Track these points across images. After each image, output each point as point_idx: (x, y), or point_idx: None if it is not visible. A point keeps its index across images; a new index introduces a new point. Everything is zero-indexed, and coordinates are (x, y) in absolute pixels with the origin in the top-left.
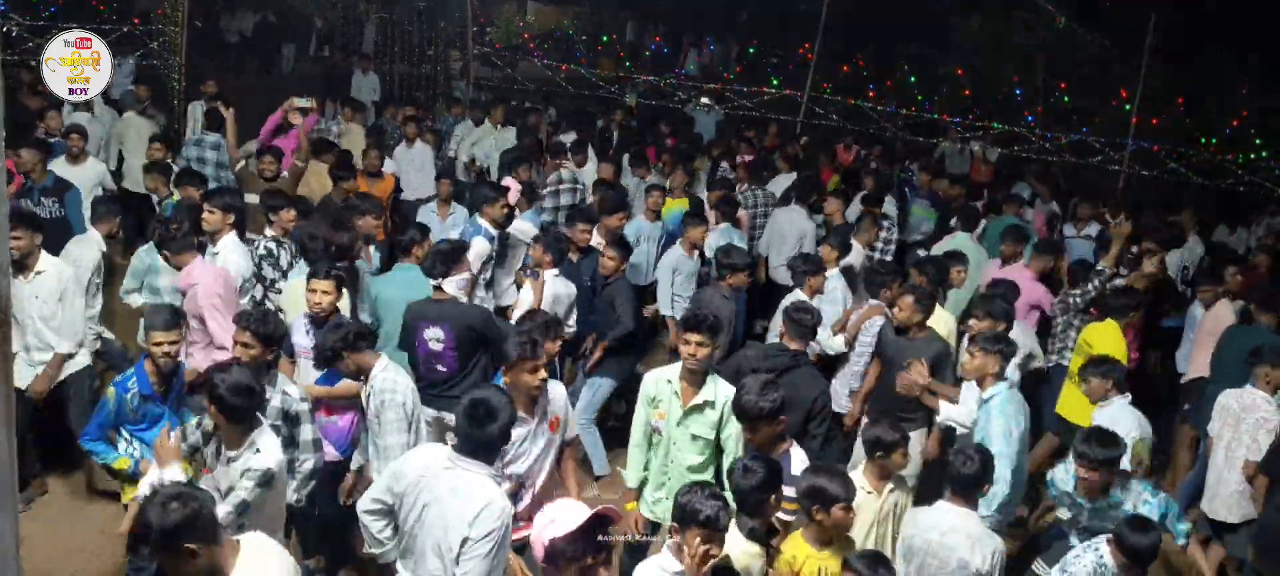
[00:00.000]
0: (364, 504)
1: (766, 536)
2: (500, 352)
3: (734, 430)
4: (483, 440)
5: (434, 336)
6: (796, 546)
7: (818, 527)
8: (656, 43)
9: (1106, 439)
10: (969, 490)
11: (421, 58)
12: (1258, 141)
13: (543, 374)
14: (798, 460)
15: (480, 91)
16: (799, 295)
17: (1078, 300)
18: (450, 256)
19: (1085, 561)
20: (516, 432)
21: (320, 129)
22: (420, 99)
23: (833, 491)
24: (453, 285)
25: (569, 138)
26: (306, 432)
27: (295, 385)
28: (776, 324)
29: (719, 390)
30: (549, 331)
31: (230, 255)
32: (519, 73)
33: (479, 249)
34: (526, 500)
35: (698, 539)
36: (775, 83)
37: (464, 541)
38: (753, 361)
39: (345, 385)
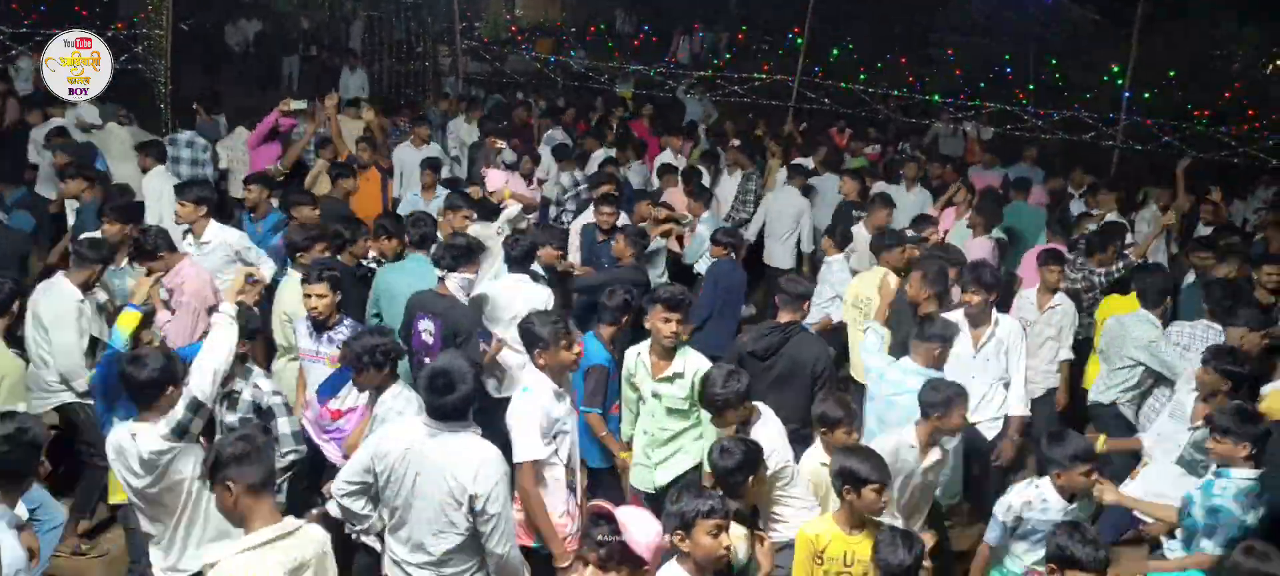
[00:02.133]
0: (340, 487)
1: (750, 518)
2: (526, 332)
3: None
4: (445, 409)
5: (427, 328)
6: (824, 526)
7: (848, 509)
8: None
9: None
10: None
11: (410, 54)
12: (1250, 113)
13: (579, 348)
14: (759, 432)
15: (470, 86)
16: None
17: (1103, 278)
18: (462, 254)
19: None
20: (562, 409)
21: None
22: (410, 95)
23: (863, 473)
24: (455, 282)
25: (555, 135)
26: (283, 426)
27: (268, 378)
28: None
29: (689, 361)
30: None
31: (224, 237)
32: (508, 66)
33: None
34: (579, 487)
35: (706, 533)
36: (767, 70)
37: (473, 498)
38: (748, 345)
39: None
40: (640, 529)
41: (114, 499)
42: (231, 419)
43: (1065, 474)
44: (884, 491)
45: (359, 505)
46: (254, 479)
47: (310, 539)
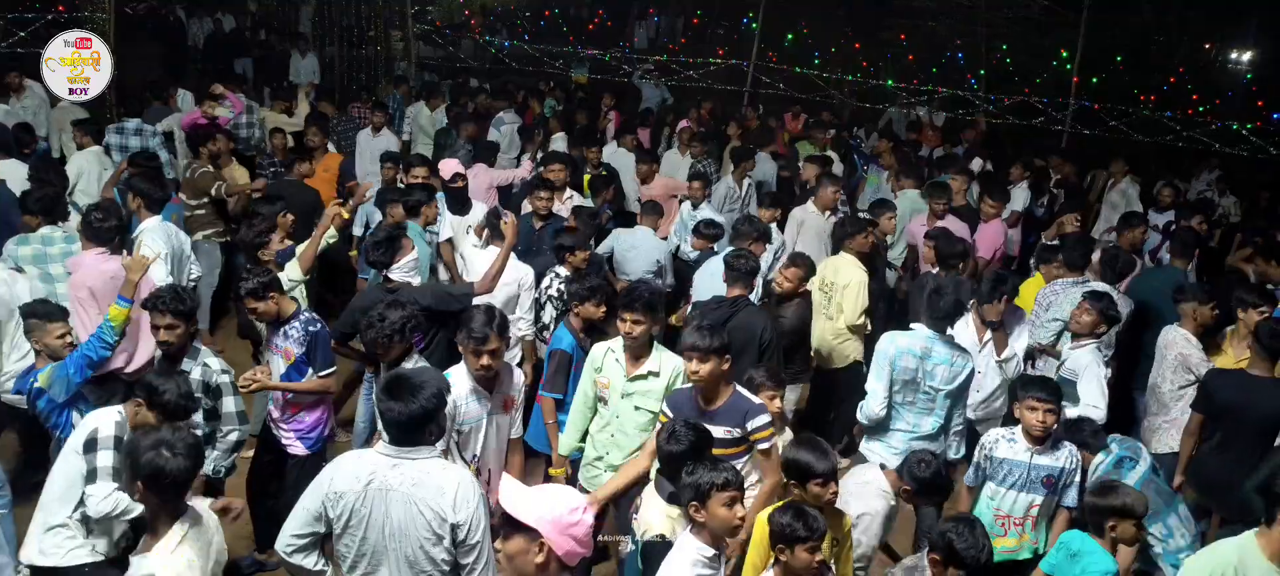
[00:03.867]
0: (287, 543)
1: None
2: (463, 323)
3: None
4: (406, 418)
5: None
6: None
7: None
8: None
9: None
10: None
11: (361, 39)
12: (1194, 98)
13: (487, 360)
14: (748, 391)
15: (423, 71)
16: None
17: None
18: (386, 246)
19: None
20: (471, 411)
21: (239, 122)
22: (363, 81)
23: (808, 463)
24: (398, 272)
25: (505, 117)
26: (229, 405)
27: (217, 357)
28: None
29: (665, 360)
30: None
31: (145, 237)
32: (462, 51)
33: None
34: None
35: (721, 504)
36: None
37: (454, 528)
38: (699, 320)
39: (313, 381)
40: (541, 501)
41: None
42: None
43: (1019, 406)
44: (830, 485)
45: (310, 561)
46: (168, 481)
47: (206, 518)
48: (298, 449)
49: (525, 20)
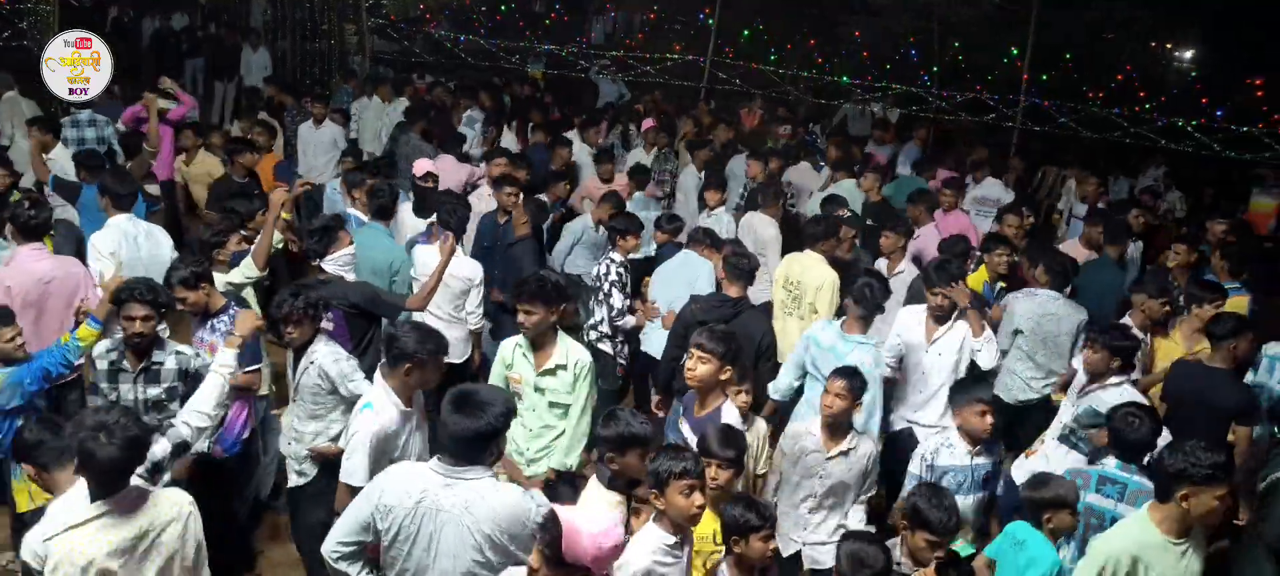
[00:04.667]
0: (333, 550)
1: (627, 487)
2: (389, 338)
3: (583, 393)
4: (472, 434)
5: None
6: (715, 527)
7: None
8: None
9: None
10: None
11: (314, 33)
12: (1141, 95)
13: (416, 380)
14: (730, 415)
15: (378, 66)
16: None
17: None
18: (324, 234)
19: None
20: (404, 431)
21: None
22: (316, 75)
23: (748, 521)
24: (333, 264)
25: (475, 115)
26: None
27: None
28: None
29: (571, 353)
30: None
31: (97, 238)
32: (417, 45)
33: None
34: None
35: (678, 492)
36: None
37: (505, 548)
38: (699, 314)
39: (244, 376)
40: (582, 534)
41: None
42: (154, 392)
43: (961, 413)
44: (770, 540)
45: (355, 570)
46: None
47: (155, 506)
48: (216, 451)
49: (481, 15)
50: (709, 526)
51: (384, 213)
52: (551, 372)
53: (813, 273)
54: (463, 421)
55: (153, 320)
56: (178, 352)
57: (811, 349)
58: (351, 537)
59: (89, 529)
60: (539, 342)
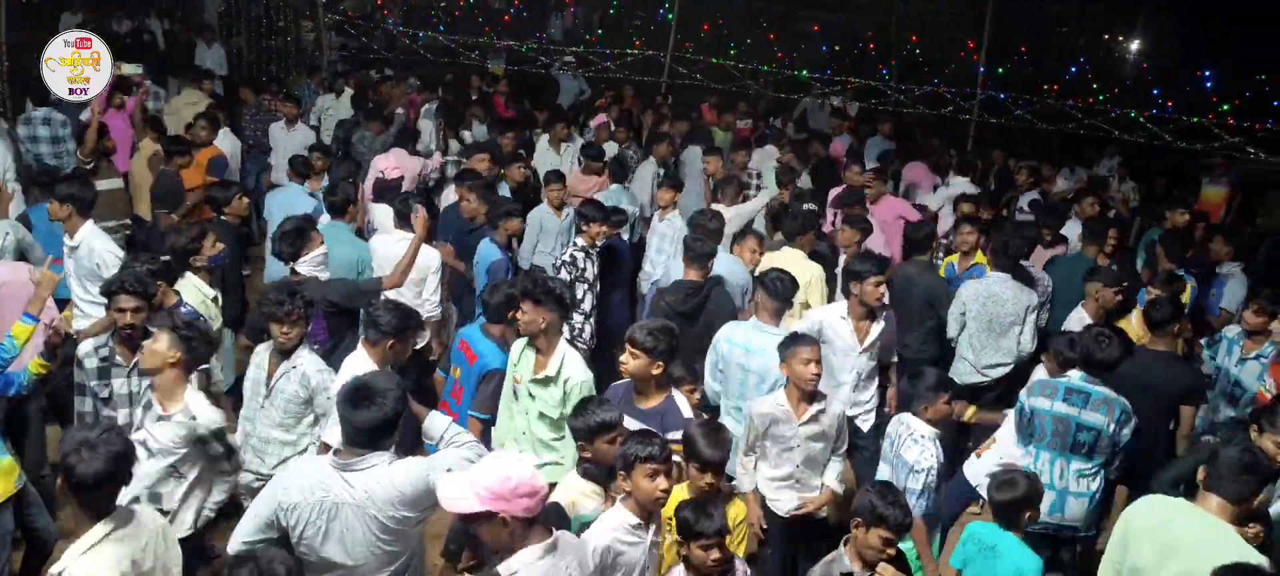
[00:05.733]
0: (238, 547)
1: (607, 476)
2: (369, 318)
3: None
4: (368, 425)
5: None
6: (674, 496)
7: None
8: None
9: None
10: None
11: (270, 29)
12: (1095, 86)
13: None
14: (684, 405)
15: (336, 62)
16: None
17: None
18: (296, 237)
19: None
20: None
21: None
22: (273, 72)
23: (698, 528)
24: (307, 265)
25: (432, 107)
26: None
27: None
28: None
29: (565, 368)
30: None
31: (94, 243)
32: (376, 41)
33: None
34: None
35: (643, 476)
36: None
37: (404, 519)
38: (672, 306)
39: None
40: (477, 484)
41: None
42: (148, 384)
43: (931, 405)
44: (707, 472)
45: None
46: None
47: (141, 523)
48: None
49: (439, 10)
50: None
51: (342, 209)
52: (543, 383)
53: (798, 270)
54: (364, 414)
55: (143, 311)
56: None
57: (723, 347)
58: (255, 536)
59: (103, 549)
60: (540, 347)
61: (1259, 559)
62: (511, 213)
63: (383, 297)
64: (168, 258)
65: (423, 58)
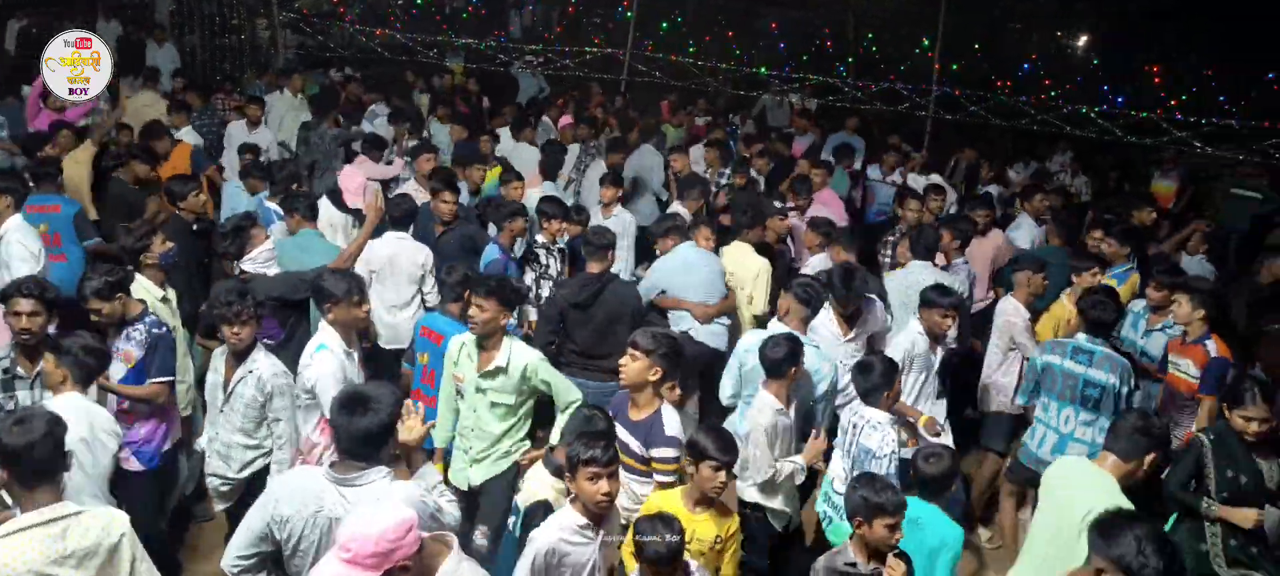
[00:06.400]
0: (231, 564)
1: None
2: (317, 289)
3: (550, 376)
4: (362, 433)
5: None
6: (666, 502)
7: (694, 486)
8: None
9: None
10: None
11: (224, 27)
12: (1046, 82)
13: (366, 308)
14: (670, 421)
15: (291, 61)
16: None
17: None
18: (236, 234)
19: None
20: (350, 368)
21: (101, 111)
22: (227, 71)
23: (704, 446)
24: (252, 263)
25: (378, 109)
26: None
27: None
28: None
29: (515, 355)
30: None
31: (12, 237)
32: (332, 40)
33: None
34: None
35: (584, 478)
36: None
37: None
38: (567, 298)
39: (146, 387)
40: (369, 547)
41: None
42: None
43: (887, 393)
44: (720, 471)
45: None
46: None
47: (86, 529)
48: (132, 464)
49: (396, 8)
50: (711, 530)
51: (311, 213)
52: (492, 375)
53: (746, 263)
54: (358, 421)
55: (40, 316)
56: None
57: (749, 359)
58: (250, 550)
59: (27, 537)
60: (485, 343)
61: (1122, 502)
62: (516, 213)
63: (325, 267)
64: (131, 266)
65: (380, 56)
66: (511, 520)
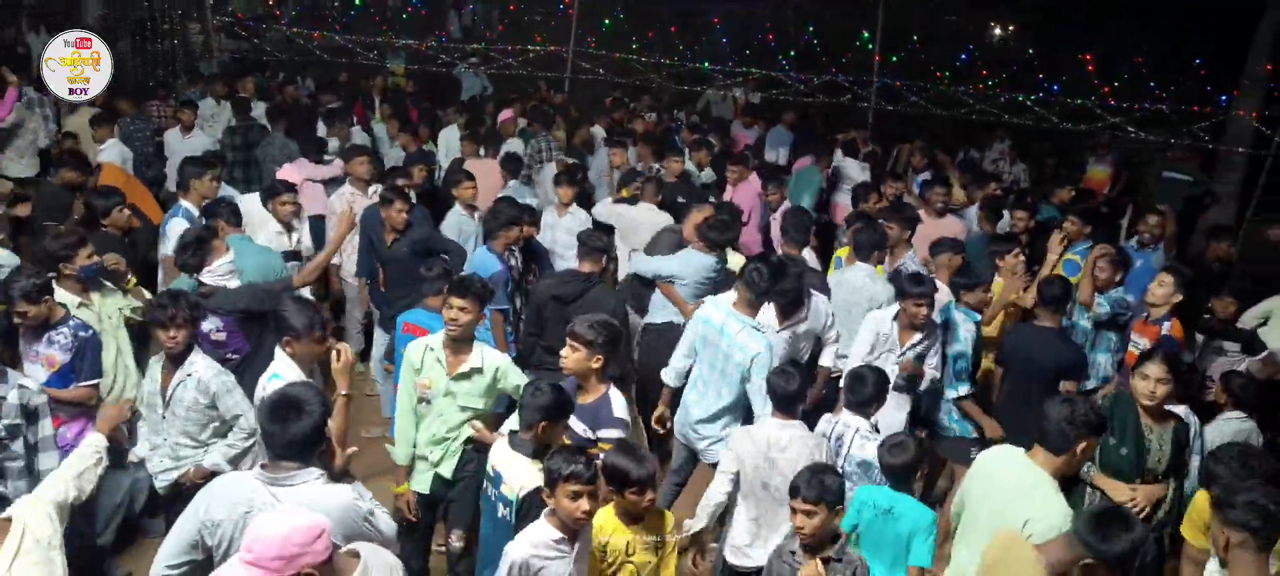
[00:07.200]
0: (160, 572)
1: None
2: (279, 321)
3: (520, 381)
4: (291, 437)
5: (212, 327)
6: (606, 518)
7: (622, 510)
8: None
9: None
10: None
11: (155, 32)
12: (984, 72)
13: (327, 344)
14: (618, 403)
15: (226, 66)
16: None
17: None
18: (198, 247)
19: None
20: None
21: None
22: (160, 77)
23: (624, 470)
24: (212, 276)
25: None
26: (47, 428)
27: (30, 378)
28: None
29: (487, 356)
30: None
31: None
32: (268, 43)
33: (175, 228)
34: None
35: (565, 495)
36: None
37: (346, 536)
38: (550, 289)
39: (77, 390)
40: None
41: None
42: None
43: (877, 407)
44: (645, 493)
45: None
46: None
47: (27, 530)
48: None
49: (334, 10)
50: (651, 534)
51: (234, 218)
52: (467, 376)
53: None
54: (290, 426)
55: None
56: (21, 386)
57: (700, 328)
58: (179, 559)
59: None
60: (457, 345)
61: (1060, 507)
62: (512, 221)
63: (292, 298)
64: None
65: (319, 59)
66: (505, 510)
